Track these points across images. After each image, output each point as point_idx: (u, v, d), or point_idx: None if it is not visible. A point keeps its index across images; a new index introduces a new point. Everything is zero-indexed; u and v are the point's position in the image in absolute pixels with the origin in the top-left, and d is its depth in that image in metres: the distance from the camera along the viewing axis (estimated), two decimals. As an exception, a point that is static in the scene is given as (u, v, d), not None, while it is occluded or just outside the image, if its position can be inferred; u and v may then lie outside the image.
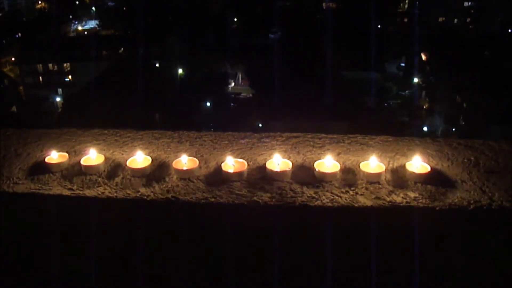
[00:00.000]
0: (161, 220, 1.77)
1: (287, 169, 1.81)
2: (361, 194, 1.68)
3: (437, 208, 1.60)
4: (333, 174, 1.78)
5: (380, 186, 1.73)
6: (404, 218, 1.64)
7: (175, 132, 2.14)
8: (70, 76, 36.89)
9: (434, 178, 1.76)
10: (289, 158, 1.89)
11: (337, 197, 1.67)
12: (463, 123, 28.26)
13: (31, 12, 50.79)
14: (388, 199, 1.65)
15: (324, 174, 1.78)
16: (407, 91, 35.09)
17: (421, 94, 34.66)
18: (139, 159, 1.89)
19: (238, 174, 1.80)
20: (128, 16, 39.07)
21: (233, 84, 37.62)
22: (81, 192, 1.74)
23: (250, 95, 34.08)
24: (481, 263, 1.71)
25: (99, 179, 1.82)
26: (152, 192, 1.72)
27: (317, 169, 1.80)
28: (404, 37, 35.09)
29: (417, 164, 1.80)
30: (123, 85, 26.17)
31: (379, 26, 36.91)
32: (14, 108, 33.07)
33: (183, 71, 36.19)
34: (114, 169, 1.88)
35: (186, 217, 1.73)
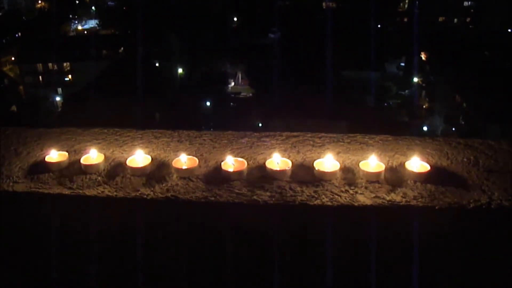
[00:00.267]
0: (161, 219, 1.77)
1: (287, 168, 1.81)
2: (360, 193, 1.69)
3: (437, 207, 1.61)
4: (332, 173, 1.78)
5: (379, 185, 1.73)
6: (403, 217, 1.65)
7: (175, 131, 2.14)
8: (70, 76, 36.89)
9: (433, 177, 1.76)
10: (288, 157, 1.89)
11: (336, 196, 1.67)
12: (463, 122, 28.27)
13: (31, 12, 50.75)
14: (387, 198, 1.65)
15: (323, 173, 1.79)
16: (407, 91, 35.09)
17: (421, 94, 34.66)
18: (139, 158, 1.89)
19: (238, 173, 1.80)
20: (128, 16, 39.06)
21: (233, 83, 37.61)
22: (81, 191, 1.74)
23: (250, 94, 34.08)
24: (481, 262, 1.72)
25: (99, 178, 1.82)
26: (152, 191, 1.72)
27: (316, 168, 1.80)
28: (404, 37, 35.09)
29: (417, 163, 1.81)
30: (123, 84, 26.16)
31: (379, 25, 36.90)
32: (14, 108, 33.05)
33: (183, 70, 36.19)
34: (114, 168, 1.88)
35: (186, 216, 1.73)
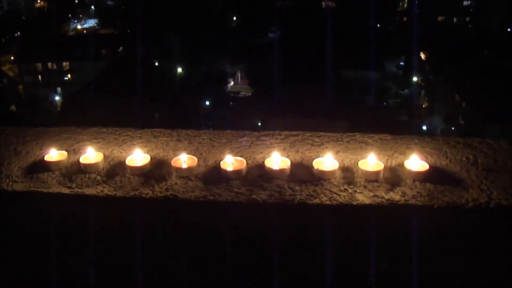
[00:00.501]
0: (160, 218, 1.77)
1: (286, 167, 1.81)
2: (359, 192, 1.69)
3: (436, 206, 1.61)
4: (331, 172, 1.79)
5: (378, 184, 1.73)
6: (402, 216, 1.65)
7: (174, 131, 2.15)
8: (69, 75, 36.87)
9: (432, 176, 1.76)
10: (288, 157, 1.90)
11: (335, 195, 1.67)
12: (462, 122, 28.28)
13: (30, 11, 50.74)
14: (386, 197, 1.66)
15: (322, 172, 1.79)
16: (406, 90, 35.12)
17: (420, 93, 34.68)
18: (138, 158, 1.89)
19: (237, 172, 1.80)
20: (127, 15, 39.05)
21: (232, 83, 37.61)
22: (80, 190, 1.74)
23: (250, 94, 34.08)
24: (480, 261, 1.72)
25: (98, 177, 1.82)
26: (151, 190, 1.72)
27: (315, 167, 1.80)
28: (403, 36, 35.09)
29: (416, 162, 1.81)
30: (122, 84, 26.15)
31: (378, 25, 36.92)
32: (13, 107, 33.04)
33: (182, 70, 36.17)
34: (113, 168, 1.88)
35: (185, 215, 1.73)
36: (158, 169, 1.87)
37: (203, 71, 34.50)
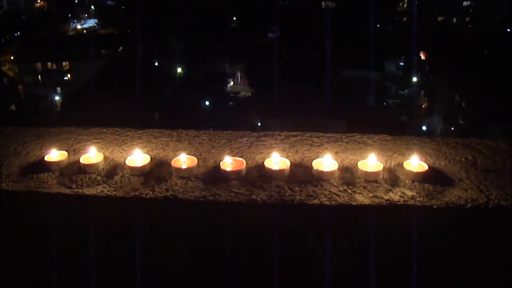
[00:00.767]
0: (160, 218, 1.78)
1: (286, 167, 1.81)
2: (359, 193, 1.69)
3: (435, 207, 1.61)
4: (331, 173, 1.79)
5: (378, 184, 1.74)
6: (401, 216, 1.65)
7: (174, 131, 2.15)
8: (69, 75, 36.87)
9: (431, 176, 1.76)
10: (287, 157, 1.90)
11: (335, 196, 1.68)
12: (462, 122, 28.29)
13: (30, 11, 50.70)
14: (385, 197, 1.66)
15: (322, 172, 1.79)
16: (406, 90, 35.14)
17: (420, 93, 34.69)
18: (138, 158, 1.89)
19: (237, 173, 1.80)
20: (127, 15, 39.04)
21: (232, 83, 37.62)
22: (80, 190, 1.74)
23: (249, 94, 34.08)
24: (479, 261, 1.72)
25: (98, 177, 1.82)
26: (151, 190, 1.73)
27: (315, 168, 1.81)
28: (403, 37, 35.11)
29: (415, 162, 1.81)
30: (122, 84, 26.15)
31: (378, 25, 36.93)
32: (13, 107, 33.03)
33: (182, 70, 36.18)
34: (113, 168, 1.89)
35: (185, 215, 1.74)
36: (158, 169, 1.87)
37: (203, 71, 34.52)
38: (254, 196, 1.68)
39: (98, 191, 1.74)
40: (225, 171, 1.81)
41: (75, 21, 51.25)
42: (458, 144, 2.00)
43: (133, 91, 24.41)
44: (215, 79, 33.83)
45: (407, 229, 1.67)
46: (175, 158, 1.87)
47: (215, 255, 1.81)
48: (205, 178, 1.80)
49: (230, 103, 32.87)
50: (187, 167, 1.83)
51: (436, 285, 1.78)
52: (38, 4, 52.83)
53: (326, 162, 1.84)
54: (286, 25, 36.39)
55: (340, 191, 1.70)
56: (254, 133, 2.12)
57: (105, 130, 2.18)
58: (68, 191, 1.74)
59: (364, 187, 1.72)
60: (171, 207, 1.71)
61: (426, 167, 1.79)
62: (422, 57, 35.86)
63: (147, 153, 1.94)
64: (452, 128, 28.71)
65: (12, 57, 39.63)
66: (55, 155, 1.91)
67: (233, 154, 1.94)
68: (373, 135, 2.07)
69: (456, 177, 1.77)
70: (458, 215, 1.62)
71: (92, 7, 50.83)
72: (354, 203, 1.64)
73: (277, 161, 1.84)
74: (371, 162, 1.82)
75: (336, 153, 1.94)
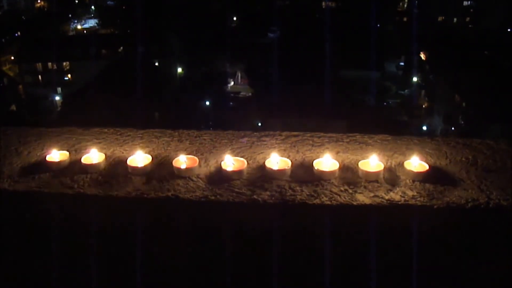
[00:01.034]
0: (161, 218, 1.78)
1: (286, 167, 1.82)
2: (359, 193, 1.69)
3: (435, 207, 1.61)
4: (332, 173, 1.79)
5: (378, 184, 1.74)
6: (402, 216, 1.66)
7: (175, 131, 2.15)
8: (69, 75, 36.88)
9: (432, 176, 1.77)
10: (288, 157, 1.90)
11: (336, 196, 1.68)
12: (462, 122, 28.29)
13: (30, 11, 50.71)
14: (386, 197, 1.66)
15: (323, 172, 1.79)
16: (406, 90, 35.14)
17: (420, 93, 34.69)
18: (140, 158, 1.89)
19: (238, 173, 1.81)
20: (128, 15, 39.05)
21: (232, 83, 37.61)
22: (81, 190, 1.75)
23: (250, 94, 34.08)
24: (479, 261, 1.72)
25: (100, 177, 1.83)
26: (152, 190, 1.73)
27: (316, 168, 1.81)
28: (403, 37, 35.11)
29: (416, 162, 1.81)
30: (122, 84, 26.16)
31: (378, 25, 36.93)
32: (13, 107, 33.04)
33: (182, 70, 36.18)
34: (115, 168, 1.89)
35: (186, 215, 1.74)
36: (160, 169, 1.87)
37: (203, 71, 34.53)
38: (255, 196, 1.68)
39: (100, 191, 1.74)
40: (226, 171, 1.81)
41: (76, 21, 51.25)
42: (458, 144, 2.00)
43: (134, 91, 24.42)
44: (215, 79, 33.84)
45: (408, 229, 1.67)
46: (177, 158, 1.87)
47: (216, 255, 1.81)
48: (206, 178, 1.81)
49: (231, 103, 32.87)
50: (189, 167, 1.83)
51: (436, 285, 1.79)
52: (38, 4, 52.83)
53: (327, 162, 1.84)
54: (286, 25, 36.40)
55: (341, 191, 1.71)
56: (255, 133, 2.12)
57: (106, 130, 2.18)
58: (69, 191, 1.74)
59: (365, 187, 1.73)
60: (173, 207, 1.72)
61: (427, 167, 1.79)
62: (423, 57, 35.86)
63: (149, 153, 1.95)
64: (453, 128, 28.71)
65: (12, 57, 39.63)
66: (56, 155, 1.92)
67: (234, 154, 1.94)
68: (374, 135, 2.08)
69: (457, 177, 1.78)
70: (459, 215, 1.63)
71: (93, 7, 50.85)
72: (355, 203, 1.64)
73: (278, 161, 1.85)
74: (372, 162, 1.82)
75: (337, 153, 1.95)
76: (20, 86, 36.33)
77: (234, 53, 34.87)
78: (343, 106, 25.74)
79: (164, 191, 1.72)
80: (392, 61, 36.80)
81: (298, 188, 1.72)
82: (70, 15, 50.95)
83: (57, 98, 35.94)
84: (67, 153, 1.95)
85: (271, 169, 1.81)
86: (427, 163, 1.82)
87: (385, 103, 32.97)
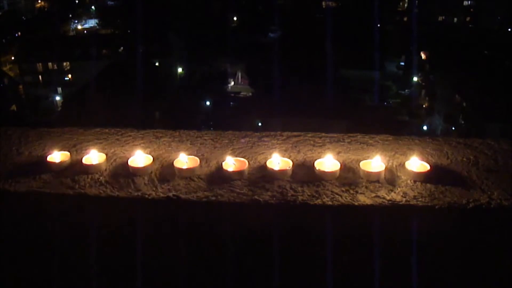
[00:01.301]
0: (162, 218, 1.78)
1: (288, 168, 1.82)
2: (361, 193, 1.69)
3: (437, 207, 1.61)
4: (333, 173, 1.79)
5: (380, 185, 1.74)
6: (403, 216, 1.65)
7: (176, 131, 2.15)
8: (69, 75, 36.89)
9: (433, 177, 1.77)
10: (289, 157, 1.90)
11: (337, 196, 1.68)
12: (463, 122, 28.28)
13: (30, 11, 50.73)
14: (388, 197, 1.66)
15: (324, 173, 1.79)
16: (406, 90, 35.13)
17: (421, 93, 34.69)
18: (141, 158, 1.89)
19: (239, 173, 1.80)
20: (128, 15, 39.04)
21: (232, 83, 37.61)
22: (82, 191, 1.74)
23: (250, 94, 34.07)
24: (481, 261, 1.72)
25: (101, 178, 1.82)
26: (153, 191, 1.73)
27: (317, 168, 1.81)
28: (403, 36, 35.10)
29: (417, 163, 1.81)
30: (123, 84, 26.16)
31: (378, 25, 36.92)
32: (13, 107, 33.05)
33: (182, 70, 36.18)
34: (116, 168, 1.89)
35: (187, 215, 1.74)
36: (161, 170, 1.87)
37: (204, 71, 34.52)
38: (256, 197, 1.68)
39: (101, 191, 1.74)
40: (227, 171, 1.81)
41: (76, 21, 51.27)
42: (459, 144, 2.00)
43: (134, 91, 24.42)
44: (215, 79, 33.84)
45: (409, 229, 1.67)
46: (178, 159, 1.87)
47: (218, 255, 1.81)
48: (207, 178, 1.81)
49: (231, 103, 32.86)
50: (190, 168, 1.83)
51: (438, 285, 1.79)
52: (38, 5, 52.85)
53: (328, 162, 1.84)
54: (286, 25, 36.40)
55: (343, 191, 1.71)
56: (256, 134, 2.12)
57: (107, 130, 2.18)
58: (70, 191, 1.74)
59: (366, 187, 1.72)
60: (174, 208, 1.71)
61: (428, 167, 1.79)
62: (423, 56, 35.85)
63: (150, 153, 1.95)
64: (453, 128, 28.70)
65: (12, 57, 39.64)
66: (57, 155, 1.92)
67: (235, 154, 1.94)
68: (375, 135, 2.08)
69: (458, 177, 1.78)
70: (460, 215, 1.63)
71: (93, 7, 50.86)
72: (356, 203, 1.64)
73: (279, 161, 1.84)
74: (373, 162, 1.82)
75: (338, 153, 1.95)
76: (21, 86, 36.33)
77: (234, 53, 34.88)
78: (344, 106, 25.74)
79: (165, 192, 1.72)
80: (392, 60, 36.80)
81: (299, 188, 1.72)
82: (70, 15, 50.96)
83: (58, 98, 35.95)
84: (68, 153, 1.95)
85: (272, 169, 1.81)
86: (428, 163, 1.82)
87: (385, 103, 32.97)
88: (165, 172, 1.85)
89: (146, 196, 1.71)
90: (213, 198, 1.69)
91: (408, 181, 1.76)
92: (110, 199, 1.72)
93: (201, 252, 1.82)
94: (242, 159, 1.87)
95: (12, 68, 38.95)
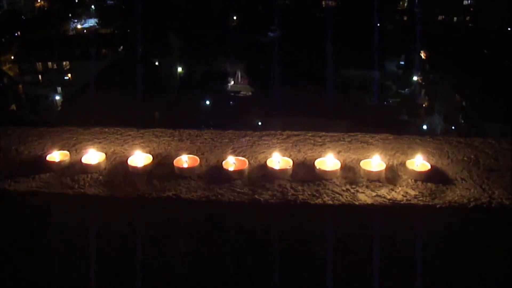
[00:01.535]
0: (162, 218, 1.77)
1: (288, 167, 1.81)
2: (361, 192, 1.69)
3: (437, 206, 1.61)
4: (333, 172, 1.79)
5: (380, 184, 1.74)
6: (404, 216, 1.65)
7: (176, 130, 2.15)
8: (69, 75, 36.89)
9: (434, 176, 1.76)
10: (289, 156, 1.90)
11: (337, 195, 1.67)
12: (463, 121, 28.28)
13: (30, 11, 50.72)
14: (388, 197, 1.66)
15: (324, 172, 1.79)
16: (406, 89, 35.15)
17: (421, 93, 34.69)
18: (140, 158, 1.89)
19: (239, 172, 1.80)
20: (128, 15, 39.04)
21: (232, 82, 37.61)
22: (82, 190, 1.74)
23: (250, 93, 34.07)
24: (481, 261, 1.72)
25: (100, 177, 1.82)
26: (153, 190, 1.72)
27: (317, 167, 1.80)
28: (403, 35, 35.12)
29: (417, 162, 1.81)
30: (122, 83, 26.16)
31: (378, 24, 36.92)
32: (13, 107, 33.05)
33: (182, 69, 36.18)
34: (115, 168, 1.89)
35: (187, 215, 1.74)
36: (160, 169, 1.87)
37: (203, 70, 34.53)
38: (256, 196, 1.68)
39: (100, 191, 1.74)
40: (227, 170, 1.81)
41: (76, 20, 51.26)
42: (460, 144, 2.00)
43: (134, 91, 24.42)
44: (215, 78, 33.84)
45: (410, 228, 1.67)
46: (177, 158, 1.87)
47: (218, 255, 1.80)
48: (207, 177, 1.80)
49: (231, 102, 32.87)
50: (190, 167, 1.83)
51: (439, 285, 1.78)
52: (38, 4, 52.84)
53: (328, 161, 1.84)
54: (286, 25, 36.39)
55: (343, 190, 1.70)
56: (256, 133, 2.11)
57: (106, 129, 2.17)
58: (70, 191, 1.74)
59: (367, 187, 1.72)
60: (174, 207, 1.71)
61: (429, 167, 1.79)
62: (423, 56, 35.86)
63: (149, 152, 1.94)
64: (453, 127, 28.70)
65: (12, 57, 39.63)
66: (56, 155, 1.91)
67: (236, 153, 1.93)
68: (375, 135, 2.07)
69: (459, 177, 1.77)
70: (461, 214, 1.62)
71: (93, 6, 50.84)
72: (357, 203, 1.64)
73: (279, 160, 1.84)
74: (373, 162, 1.82)
75: (339, 152, 1.94)
76: (20, 86, 36.32)
77: (234, 52, 34.88)
78: (344, 105, 25.75)
79: (165, 191, 1.72)
80: (392, 60, 36.81)
81: (299, 187, 1.72)
82: (70, 15, 50.94)
83: (57, 97, 35.94)
84: (68, 153, 1.94)
85: (273, 168, 1.81)
86: (429, 162, 1.82)
87: (385, 103, 32.98)
88: (165, 171, 1.85)
89: (146, 195, 1.70)
90: (213, 197, 1.68)
91: (409, 180, 1.75)
92: (109, 198, 1.71)
93: (201, 251, 1.81)
94: (242, 158, 1.87)
95: (12, 67, 38.93)
